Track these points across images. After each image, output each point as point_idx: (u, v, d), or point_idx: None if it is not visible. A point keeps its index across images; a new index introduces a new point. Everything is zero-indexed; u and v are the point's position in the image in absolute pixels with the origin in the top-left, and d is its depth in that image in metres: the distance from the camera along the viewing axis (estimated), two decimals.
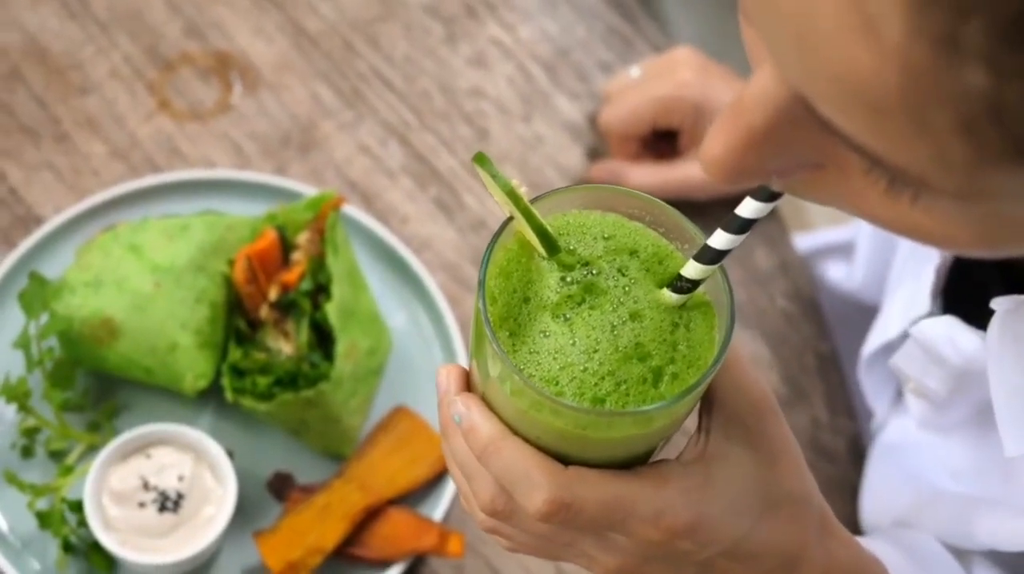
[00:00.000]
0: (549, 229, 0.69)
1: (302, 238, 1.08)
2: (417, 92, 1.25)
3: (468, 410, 0.71)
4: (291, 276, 1.06)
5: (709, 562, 0.75)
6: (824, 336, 1.22)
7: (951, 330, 0.92)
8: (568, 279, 0.69)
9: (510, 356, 0.68)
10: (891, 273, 1.09)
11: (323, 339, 1.06)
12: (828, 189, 0.59)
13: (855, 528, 1.13)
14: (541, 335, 0.68)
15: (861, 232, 1.25)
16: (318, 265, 1.06)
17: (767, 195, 0.64)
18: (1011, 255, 0.56)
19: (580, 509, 0.70)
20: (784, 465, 0.75)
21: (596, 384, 0.68)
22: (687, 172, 1.20)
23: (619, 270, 0.70)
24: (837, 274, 1.31)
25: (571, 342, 0.68)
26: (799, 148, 0.57)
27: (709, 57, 1.22)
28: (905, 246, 1.07)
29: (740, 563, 0.76)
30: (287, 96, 1.23)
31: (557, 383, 0.67)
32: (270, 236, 1.07)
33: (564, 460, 0.71)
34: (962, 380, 0.93)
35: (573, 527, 0.72)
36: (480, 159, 0.68)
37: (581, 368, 0.68)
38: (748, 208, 0.65)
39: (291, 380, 1.04)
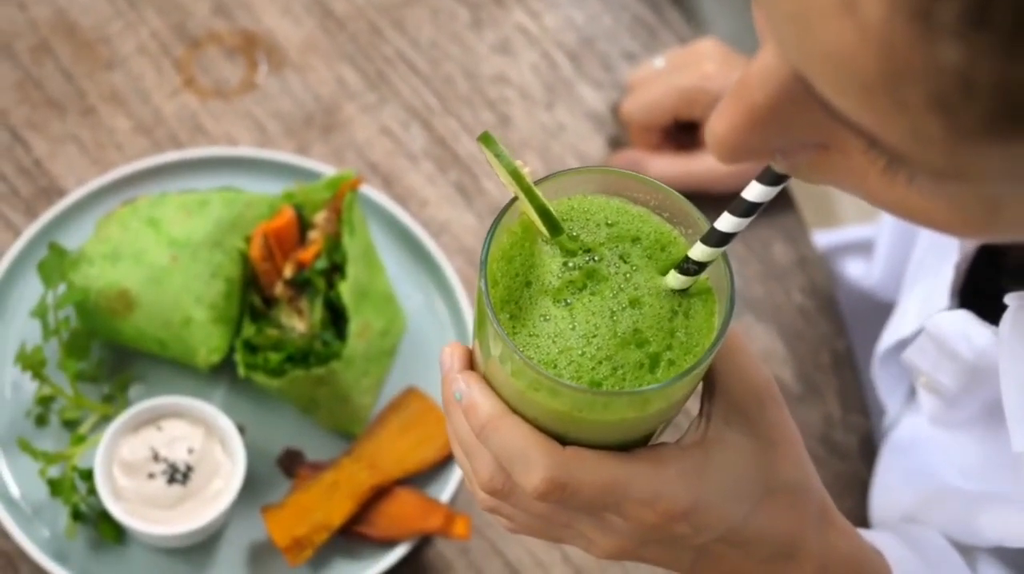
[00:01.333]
0: (552, 209, 0.70)
1: (319, 217, 1.08)
2: (441, 77, 1.25)
3: (468, 388, 0.72)
4: (307, 254, 1.06)
5: (706, 547, 0.76)
6: (840, 333, 1.22)
7: (965, 325, 0.92)
8: (570, 265, 0.70)
9: (510, 338, 0.68)
10: (908, 270, 1.09)
11: (336, 318, 1.07)
12: (832, 171, 0.60)
13: (864, 525, 1.12)
14: (541, 319, 0.69)
15: (882, 229, 1.25)
16: (334, 244, 1.07)
17: (772, 178, 0.64)
18: (1008, 241, 0.57)
19: (576, 489, 0.70)
20: (783, 453, 0.76)
21: (593, 368, 0.68)
22: (707, 164, 1.20)
23: (621, 257, 0.71)
24: (856, 271, 1.31)
25: (571, 327, 0.69)
26: (802, 128, 0.58)
27: (738, 51, 1.22)
28: (923, 242, 1.06)
29: (737, 549, 0.76)
30: (312, 77, 1.24)
31: (555, 366, 0.68)
32: (288, 214, 1.08)
33: (563, 441, 0.71)
34: (974, 376, 0.93)
35: (570, 507, 0.73)
36: (486, 139, 0.68)
37: (579, 352, 0.68)
38: (753, 191, 0.65)
39: (303, 357, 1.05)
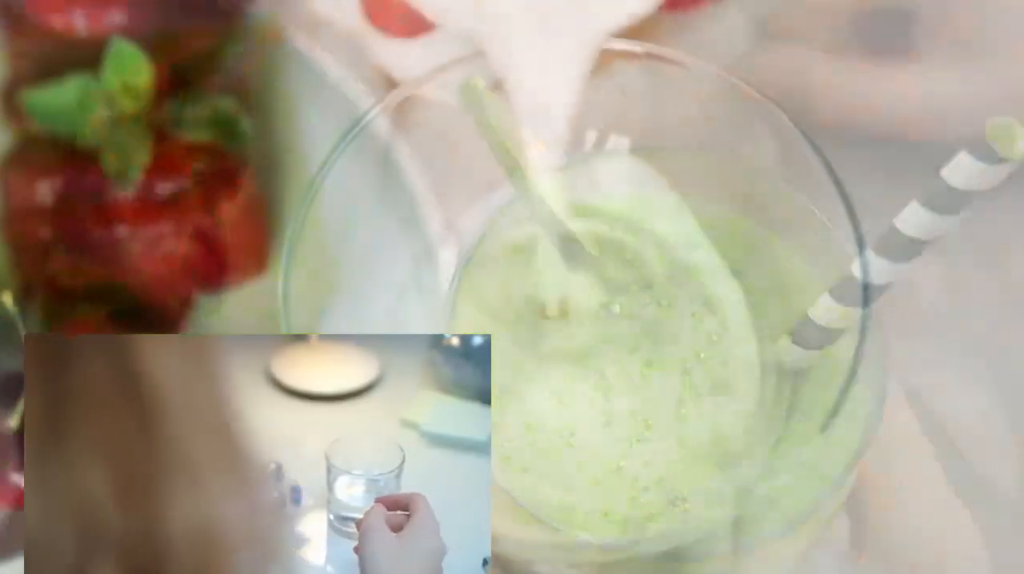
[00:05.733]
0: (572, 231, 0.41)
1: None
2: None
3: None
4: None
5: None
6: None
7: None
8: (615, 310, 0.42)
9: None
10: None
11: None
12: None
13: None
14: (548, 397, 0.41)
15: None
16: None
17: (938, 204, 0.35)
18: None
19: None
20: None
21: (634, 497, 0.40)
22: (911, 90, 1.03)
23: (705, 303, 0.42)
24: None
25: (602, 420, 0.40)
26: None
27: None
28: None
29: None
30: None
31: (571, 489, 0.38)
32: None
33: None
34: None
35: None
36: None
37: (614, 467, 0.40)
38: (913, 217, 0.35)
39: None
